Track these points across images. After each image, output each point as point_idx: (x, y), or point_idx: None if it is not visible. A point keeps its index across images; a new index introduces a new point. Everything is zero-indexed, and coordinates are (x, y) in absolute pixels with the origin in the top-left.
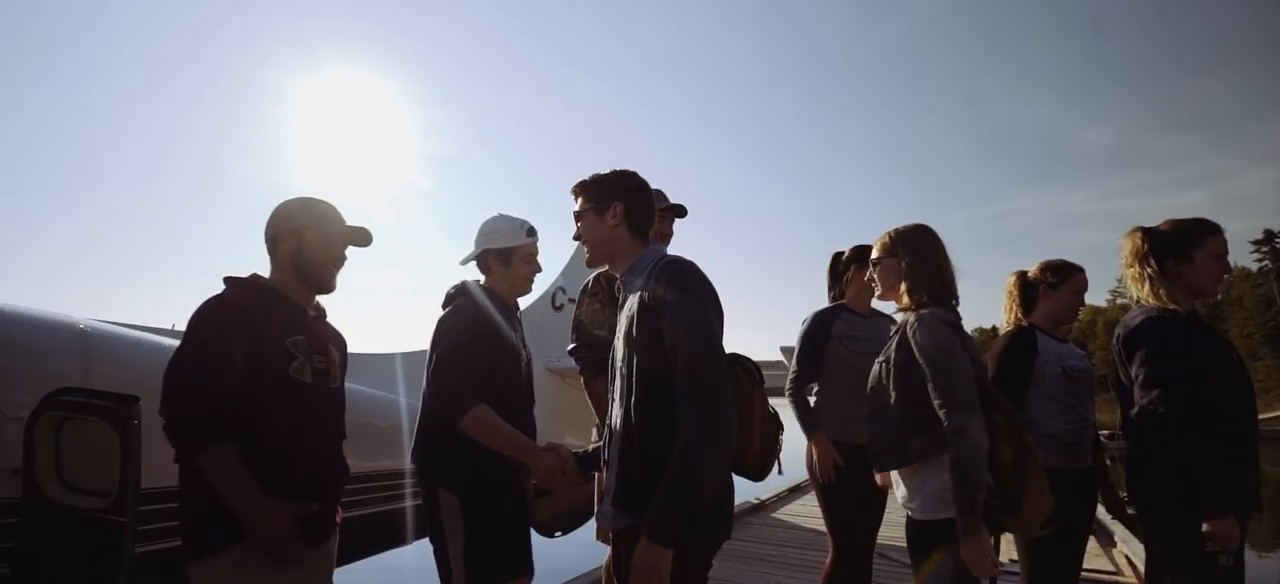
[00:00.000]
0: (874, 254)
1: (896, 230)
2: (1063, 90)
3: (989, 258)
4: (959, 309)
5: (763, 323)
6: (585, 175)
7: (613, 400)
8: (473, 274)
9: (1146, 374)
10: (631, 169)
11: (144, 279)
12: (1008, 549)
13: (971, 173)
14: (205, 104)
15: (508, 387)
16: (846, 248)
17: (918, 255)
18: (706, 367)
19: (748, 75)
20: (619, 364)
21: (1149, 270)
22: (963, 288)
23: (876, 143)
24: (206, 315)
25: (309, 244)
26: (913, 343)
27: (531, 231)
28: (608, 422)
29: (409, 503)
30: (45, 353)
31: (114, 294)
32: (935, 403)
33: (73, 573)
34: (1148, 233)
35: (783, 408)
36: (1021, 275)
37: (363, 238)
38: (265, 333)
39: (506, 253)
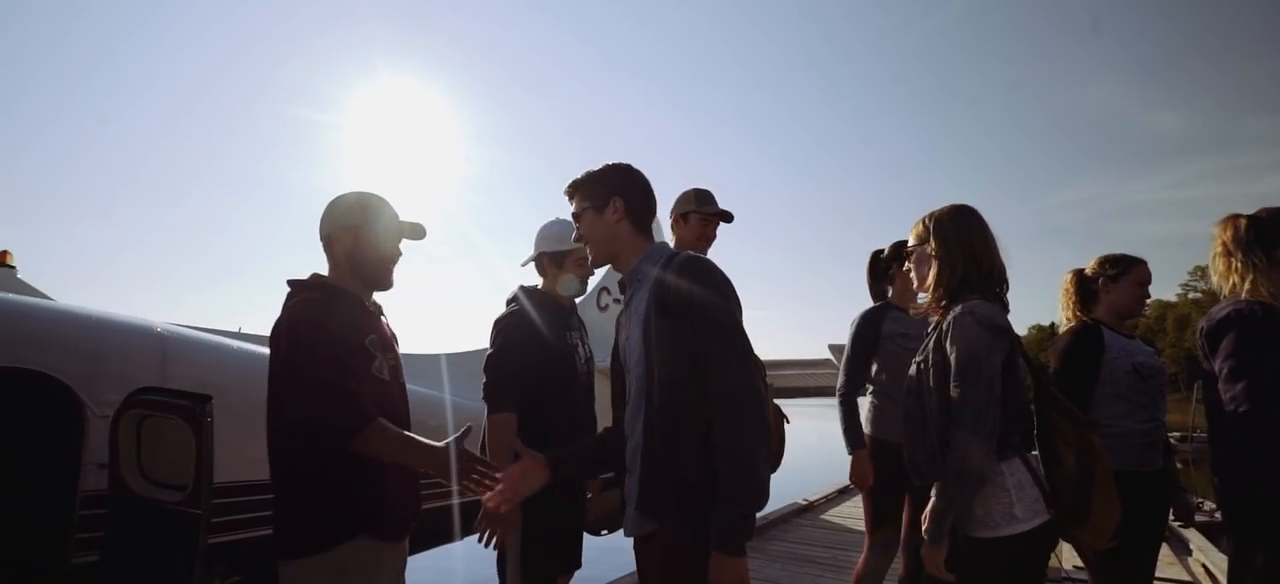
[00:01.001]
0: (909, 243)
1: (930, 214)
2: (1127, 74)
3: (1048, 251)
4: (1007, 299)
5: (809, 321)
6: (577, 174)
7: (624, 402)
8: (532, 277)
9: (1231, 368)
10: (627, 162)
11: (202, 284)
12: (1070, 555)
13: (1028, 164)
14: (257, 113)
15: (560, 386)
16: (886, 246)
17: (948, 242)
18: (744, 369)
19: (789, 74)
20: (632, 364)
21: (1255, 259)
22: (1019, 284)
23: (925, 138)
24: (306, 320)
25: (365, 241)
26: (947, 345)
27: None
28: (626, 425)
29: (456, 500)
30: (128, 354)
31: (182, 299)
32: (953, 414)
33: (152, 561)
34: (1251, 220)
35: (834, 410)
36: (1078, 273)
37: (416, 232)
38: (349, 334)
39: (560, 256)
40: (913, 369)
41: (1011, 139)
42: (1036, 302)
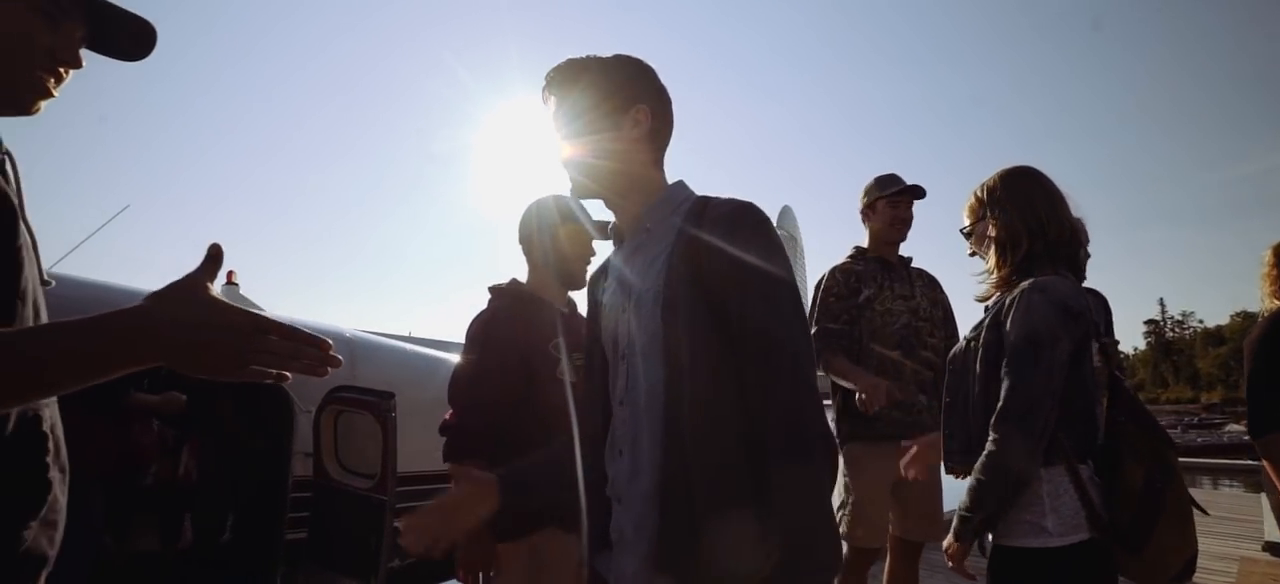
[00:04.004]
0: (965, 223)
1: (981, 186)
2: None
3: (1240, 225)
4: (1085, 267)
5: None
6: (573, 57)
7: (618, 404)
8: None
9: None
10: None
11: (372, 289)
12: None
13: (1212, 127)
14: (404, 131)
15: None
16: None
17: (1006, 213)
18: (803, 380)
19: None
20: (637, 359)
21: None
22: (1203, 266)
23: (1094, 100)
24: (478, 331)
25: (563, 241)
26: (1007, 323)
27: None
28: (616, 447)
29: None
30: None
31: (354, 309)
32: (1000, 402)
33: (346, 540)
34: None
35: None
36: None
37: (606, 232)
38: (532, 340)
39: None
40: (961, 345)
41: (1195, 100)
42: (1226, 286)
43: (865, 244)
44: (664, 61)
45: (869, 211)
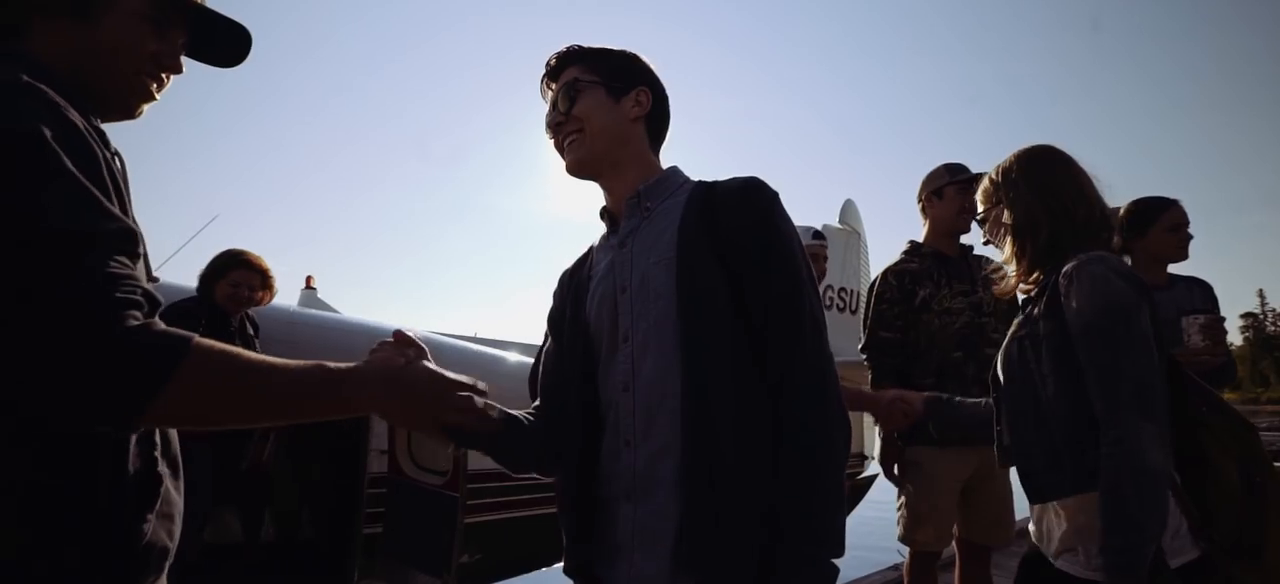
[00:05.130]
0: (979, 211)
1: (997, 168)
2: None
3: None
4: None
5: None
6: (576, 44)
7: (620, 392)
8: None
9: None
10: None
11: (422, 292)
12: None
13: None
14: (477, 144)
15: None
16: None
17: (1025, 195)
18: (826, 354)
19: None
20: (642, 330)
21: None
22: None
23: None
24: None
25: (947, 197)
26: (1066, 307)
27: (819, 235)
28: (616, 433)
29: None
30: None
31: (420, 310)
32: (1094, 397)
33: (420, 534)
34: None
35: None
36: None
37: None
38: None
39: None
40: (1009, 346)
41: None
42: None
43: (920, 237)
44: (716, 57)
45: (934, 199)
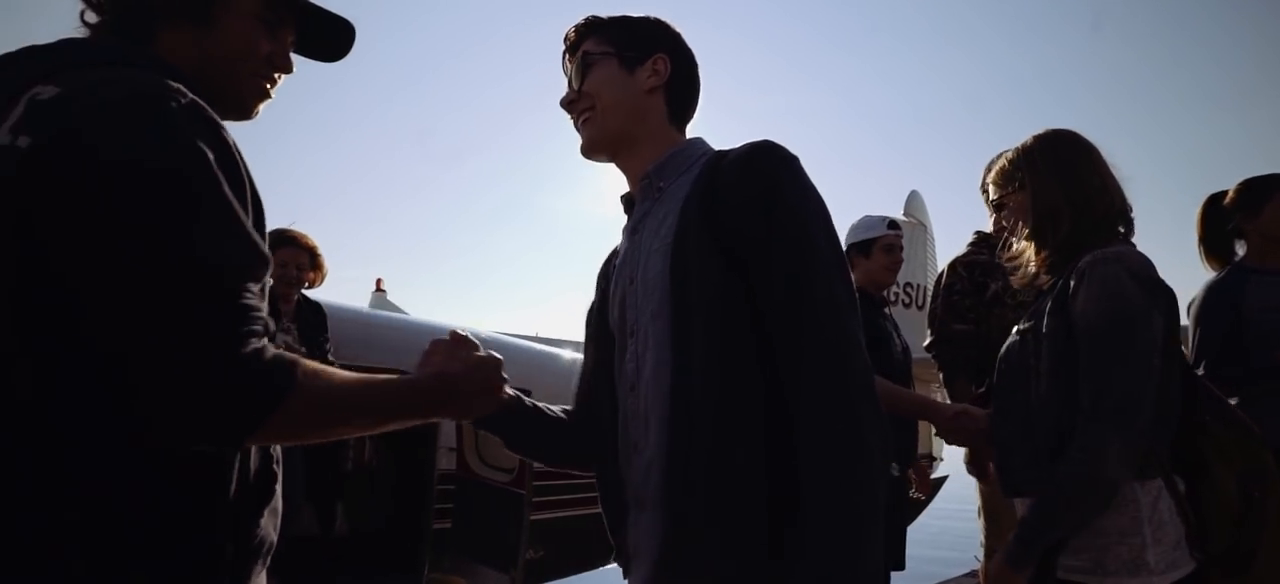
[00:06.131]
0: (993, 195)
1: (1015, 150)
2: None
3: None
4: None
5: None
6: (594, 15)
7: (628, 392)
8: None
9: None
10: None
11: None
12: None
13: None
14: (529, 147)
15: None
16: (1229, 187)
17: (1045, 182)
18: (850, 344)
19: None
20: (645, 320)
21: None
22: None
23: None
24: None
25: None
26: (1073, 306)
27: (894, 225)
28: (624, 437)
29: None
30: None
31: (483, 309)
32: (1084, 396)
33: (487, 531)
34: None
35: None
36: None
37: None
38: None
39: (866, 244)
40: (1014, 339)
41: None
42: None
43: (987, 228)
44: (769, 49)
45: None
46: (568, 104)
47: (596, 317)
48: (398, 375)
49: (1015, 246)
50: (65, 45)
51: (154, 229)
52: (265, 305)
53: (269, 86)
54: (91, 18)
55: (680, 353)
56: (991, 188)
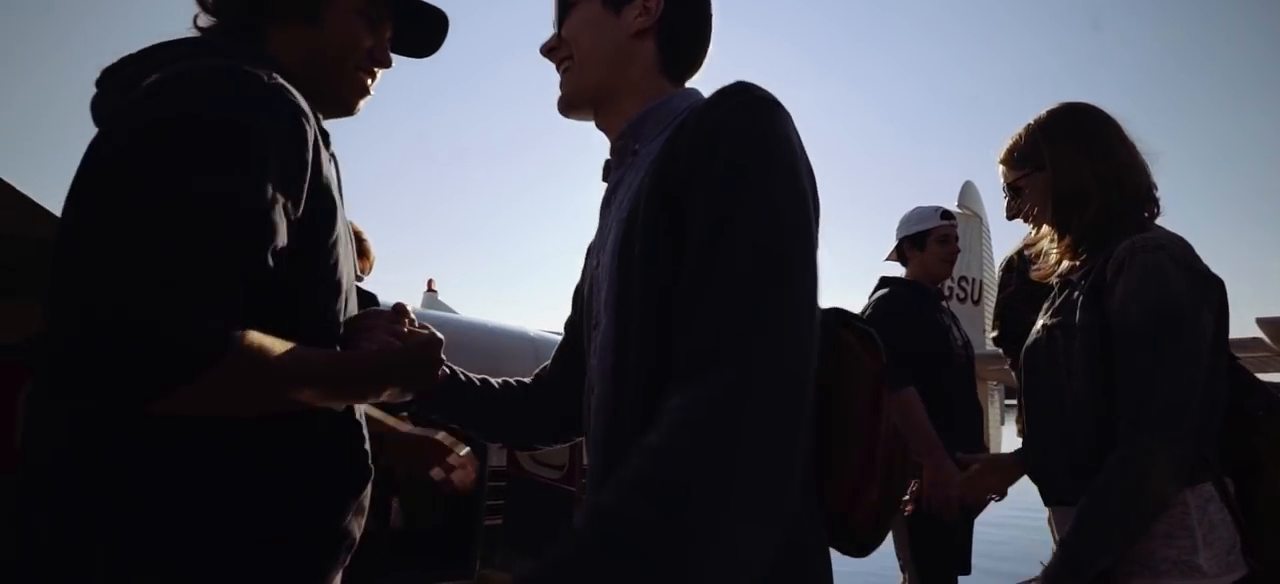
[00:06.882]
0: (1009, 176)
1: (1035, 124)
2: None
3: None
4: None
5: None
6: None
7: (591, 378)
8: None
9: None
10: None
11: (530, 298)
12: None
13: None
14: (553, 148)
15: (938, 368)
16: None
17: (1071, 156)
18: (770, 304)
19: None
20: (600, 303)
21: None
22: None
23: None
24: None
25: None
26: (1110, 299)
27: (947, 215)
28: (590, 416)
29: None
30: (514, 353)
31: (532, 308)
32: (1120, 404)
33: (537, 528)
34: None
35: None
36: None
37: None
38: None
39: (920, 236)
40: (1035, 341)
41: None
42: None
43: None
44: (819, 40)
45: None
46: (547, 52)
47: (576, 299)
48: (338, 351)
49: (1034, 235)
50: (181, 42)
51: (164, 174)
52: (264, 274)
53: (370, 82)
54: (205, 21)
55: (620, 343)
56: (1005, 170)
